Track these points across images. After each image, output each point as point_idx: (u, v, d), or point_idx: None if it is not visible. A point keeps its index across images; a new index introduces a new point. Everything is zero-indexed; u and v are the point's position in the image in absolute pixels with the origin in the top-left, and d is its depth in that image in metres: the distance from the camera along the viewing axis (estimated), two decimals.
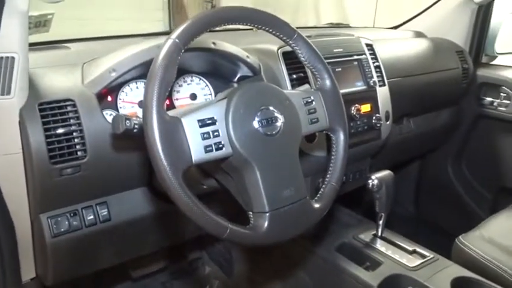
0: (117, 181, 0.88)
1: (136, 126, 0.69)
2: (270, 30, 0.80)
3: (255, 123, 0.73)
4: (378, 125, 1.22)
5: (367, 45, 1.27)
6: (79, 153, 0.80)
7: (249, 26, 0.78)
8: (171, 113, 0.69)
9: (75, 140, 0.80)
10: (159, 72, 0.66)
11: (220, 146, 0.70)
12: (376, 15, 1.87)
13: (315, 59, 0.85)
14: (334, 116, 0.86)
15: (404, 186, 1.93)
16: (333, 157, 0.86)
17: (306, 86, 0.91)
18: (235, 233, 0.69)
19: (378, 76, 1.26)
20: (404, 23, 1.83)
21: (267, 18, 0.79)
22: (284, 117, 0.76)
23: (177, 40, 0.68)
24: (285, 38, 0.82)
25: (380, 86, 1.26)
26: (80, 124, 0.80)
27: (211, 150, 0.69)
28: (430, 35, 1.74)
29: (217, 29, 0.76)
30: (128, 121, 0.69)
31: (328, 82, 0.86)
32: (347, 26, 1.86)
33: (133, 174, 0.89)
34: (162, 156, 0.64)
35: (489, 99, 1.67)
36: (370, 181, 1.15)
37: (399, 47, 1.52)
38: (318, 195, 0.82)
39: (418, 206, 1.97)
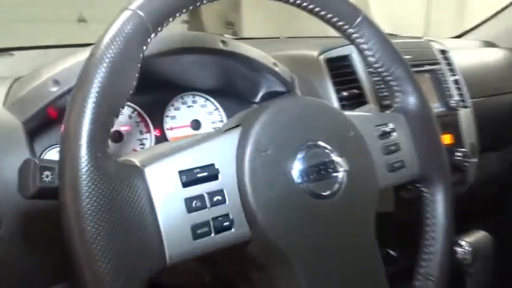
0: (53, 269, 0.53)
1: None
2: (317, 9, 0.46)
3: (295, 175, 0.38)
4: (465, 164, 0.84)
5: (442, 51, 0.92)
6: None
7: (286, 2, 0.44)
8: (123, 155, 0.35)
9: None
10: (99, 69, 0.32)
11: (227, 223, 0.35)
12: (431, 22, 1.54)
13: (392, 60, 0.50)
14: (429, 156, 0.50)
15: None
16: (428, 229, 0.50)
17: (370, 106, 0.56)
18: None
19: (458, 94, 0.90)
20: (468, 31, 1.47)
21: None
22: (348, 161, 0.41)
23: (140, 13, 0.35)
24: (340, 23, 0.48)
25: (461, 107, 0.90)
26: None
27: (208, 233, 0.34)
28: (502, 45, 1.37)
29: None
30: (48, 173, 0.35)
31: (414, 99, 0.51)
32: (392, 35, 1.51)
33: None
34: (98, 255, 0.29)
35: None
36: (459, 249, 0.77)
37: (476, 57, 1.15)
38: None
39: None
